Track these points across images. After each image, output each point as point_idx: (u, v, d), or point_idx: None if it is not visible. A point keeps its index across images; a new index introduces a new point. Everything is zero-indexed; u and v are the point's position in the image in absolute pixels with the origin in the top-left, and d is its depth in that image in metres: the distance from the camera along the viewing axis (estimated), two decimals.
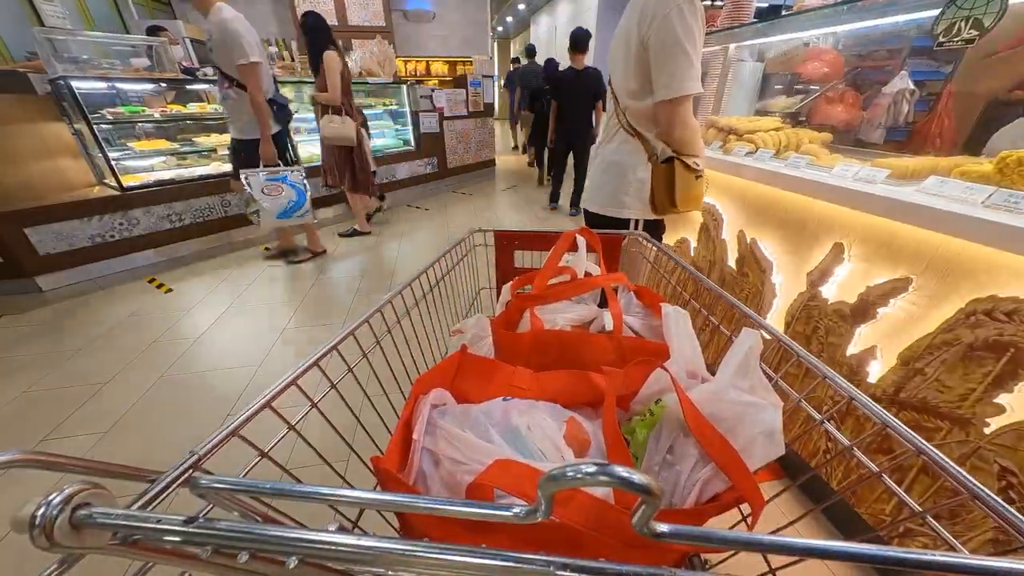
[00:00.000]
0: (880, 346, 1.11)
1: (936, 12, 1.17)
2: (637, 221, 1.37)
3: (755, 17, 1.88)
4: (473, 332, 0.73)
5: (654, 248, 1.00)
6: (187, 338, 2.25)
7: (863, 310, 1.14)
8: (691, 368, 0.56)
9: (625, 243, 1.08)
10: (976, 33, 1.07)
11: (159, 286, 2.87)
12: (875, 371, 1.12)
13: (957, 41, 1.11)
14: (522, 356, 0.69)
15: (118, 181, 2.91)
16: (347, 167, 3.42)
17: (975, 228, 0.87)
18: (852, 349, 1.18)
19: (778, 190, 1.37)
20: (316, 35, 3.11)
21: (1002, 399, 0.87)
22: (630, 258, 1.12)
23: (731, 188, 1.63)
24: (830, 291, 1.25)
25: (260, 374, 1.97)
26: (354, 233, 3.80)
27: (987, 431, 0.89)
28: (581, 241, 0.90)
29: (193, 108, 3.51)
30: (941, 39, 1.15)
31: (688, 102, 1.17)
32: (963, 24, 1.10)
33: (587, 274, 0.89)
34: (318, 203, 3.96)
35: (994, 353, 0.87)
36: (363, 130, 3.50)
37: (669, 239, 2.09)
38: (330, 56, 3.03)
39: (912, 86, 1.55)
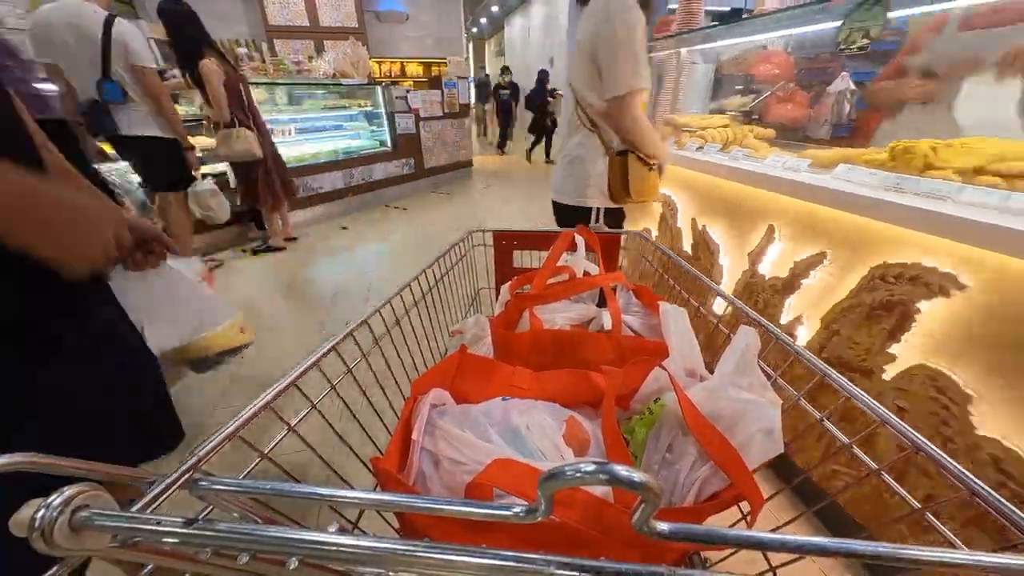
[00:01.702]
0: (806, 313, 1.26)
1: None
2: (599, 209, 1.44)
3: (715, 21, 1.97)
4: (472, 332, 0.73)
5: (652, 247, 1.01)
6: None
7: (791, 283, 1.29)
8: (690, 366, 0.56)
9: (624, 242, 1.08)
10: (867, 41, 1.27)
11: None
12: (803, 336, 1.27)
13: (853, 48, 1.31)
14: (521, 356, 0.69)
15: None
16: (257, 183, 3.08)
17: (870, 207, 1.03)
18: (785, 318, 1.32)
19: (723, 180, 1.52)
20: (183, 33, 2.62)
21: (893, 349, 1.03)
22: (629, 257, 1.12)
23: (684, 180, 1.79)
24: (766, 268, 1.39)
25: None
26: (268, 248, 3.48)
27: (885, 377, 1.04)
28: (580, 240, 0.90)
29: None
30: (841, 46, 1.33)
31: (635, 97, 1.23)
32: (857, 34, 1.29)
33: (586, 273, 0.89)
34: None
35: (887, 311, 1.02)
36: (267, 139, 3.13)
37: (633, 228, 2.18)
38: (207, 66, 2.62)
39: (852, 86, 1.67)
